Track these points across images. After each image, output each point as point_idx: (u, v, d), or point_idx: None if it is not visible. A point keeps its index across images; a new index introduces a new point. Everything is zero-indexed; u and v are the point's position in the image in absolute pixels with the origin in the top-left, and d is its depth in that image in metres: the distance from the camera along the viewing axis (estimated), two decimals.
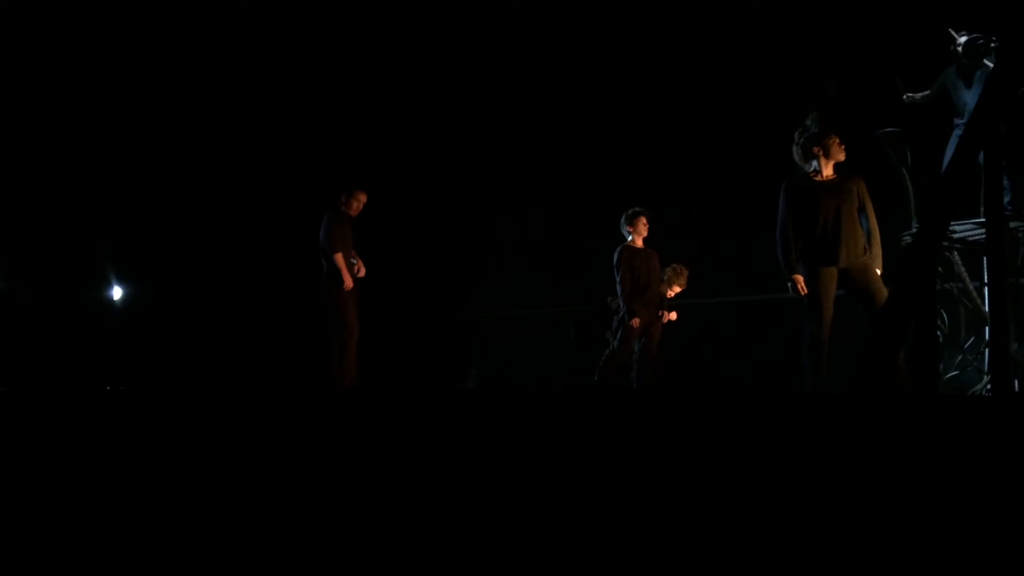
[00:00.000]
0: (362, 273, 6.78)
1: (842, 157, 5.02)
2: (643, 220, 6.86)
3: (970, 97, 5.99)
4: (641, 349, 6.86)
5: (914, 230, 6.08)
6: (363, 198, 6.78)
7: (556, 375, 8.68)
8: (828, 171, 5.02)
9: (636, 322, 6.59)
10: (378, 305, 9.61)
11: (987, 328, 5.93)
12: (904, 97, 6.30)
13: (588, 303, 8.45)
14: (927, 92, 6.28)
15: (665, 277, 7.16)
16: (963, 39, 5.96)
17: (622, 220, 6.89)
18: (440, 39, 9.15)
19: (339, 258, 6.54)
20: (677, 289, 7.19)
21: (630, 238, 6.85)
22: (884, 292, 4.82)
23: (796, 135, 5.12)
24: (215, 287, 9.61)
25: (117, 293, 10.31)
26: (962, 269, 6.02)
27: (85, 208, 9.92)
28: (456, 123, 9.36)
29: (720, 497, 2.15)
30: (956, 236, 5.87)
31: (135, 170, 9.89)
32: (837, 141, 5.01)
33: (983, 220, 5.69)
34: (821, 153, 4.98)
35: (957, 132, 6.03)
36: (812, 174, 5.02)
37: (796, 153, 5.10)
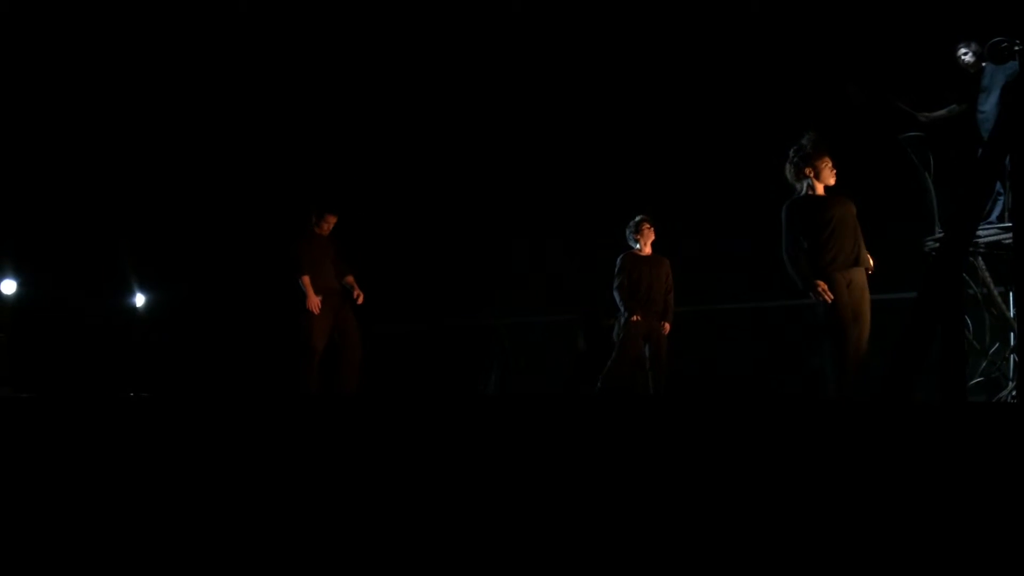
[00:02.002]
0: (360, 300, 6.67)
1: (832, 181, 4.99)
2: (647, 226, 6.76)
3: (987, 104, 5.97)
4: (651, 357, 6.75)
5: (938, 235, 6.04)
6: (332, 220, 6.71)
7: (576, 382, 8.66)
8: (820, 191, 5.02)
9: (637, 317, 6.51)
10: (397, 311, 9.66)
11: (1012, 334, 5.87)
12: (921, 117, 6.24)
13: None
14: (953, 106, 6.22)
15: None
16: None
17: (627, 230, 6.80)
18: (455, 52, 9.18)
19: (306, 280, 6.46)
20: None
21: (637, 246, 6.76)
22: (868, 318, 4.85)
23: (791, 152, 5.08)
24: (237, 294, 9.66)
25: (140, 300, 10.39)
26: (987, 274, 5.97)
27: (108, 215, 10.01)
28: (476, 133, 9.38)
29: (745, 505, 2.13)
30: (981, 241, 5.82)
31: (158, 178, 9.97)
32: (830, 164, 4.99)
33: (1009, 224, 5.65)
34: (812, 175, 4.97)
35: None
36: (808, 192, 5.01)
37: (788, 171, 5.07)
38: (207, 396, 6.12)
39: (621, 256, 6.75)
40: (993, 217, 5.83)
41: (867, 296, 4.90)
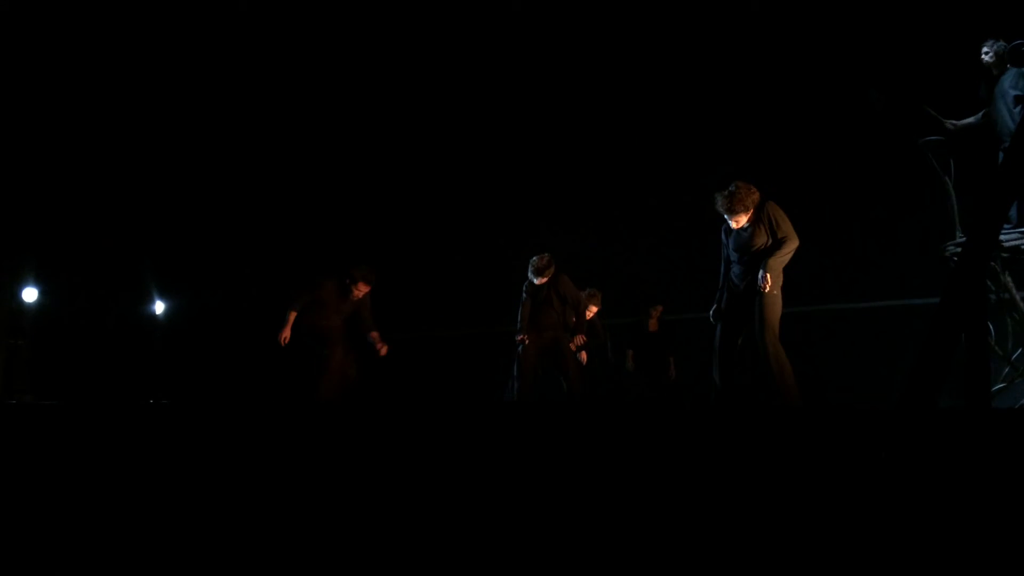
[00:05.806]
0: (383, 352, 6.94)
1: (736, 225, 5.39)
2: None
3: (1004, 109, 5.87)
4: (559, 368, 7.18)
5: (958, 240, 5.99)
6: (364, 288, 6.92)
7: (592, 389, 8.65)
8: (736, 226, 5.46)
9: (523, 338, 7.05)
10: (420, 318, 9.68)
11: None
12: (948, 124, 6.17)
13: (624, 316, 8.45)
14: (982, 111, 6.11)
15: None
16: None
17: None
18: (472, 67, 9.24)
19: (291, 315, 6.78)
20: (594, 309, 7.70)
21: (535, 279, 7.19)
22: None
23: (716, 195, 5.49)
24: (256, 301, 9.71)
25: (159, 308, 10.45)
26: (1008, 279, 5.91)
27: (128, 224, 10.09)
28: (499, 141, 9.42)
29: (767, 511, 2.12)
30: (1003, 246, 5.75)
31: (177, 187, 10.05)
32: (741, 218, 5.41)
33: None
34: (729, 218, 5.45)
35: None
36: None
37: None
38: (226, 403, 6.15)
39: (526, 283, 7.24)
40: (1014, 220, 5.77)
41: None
